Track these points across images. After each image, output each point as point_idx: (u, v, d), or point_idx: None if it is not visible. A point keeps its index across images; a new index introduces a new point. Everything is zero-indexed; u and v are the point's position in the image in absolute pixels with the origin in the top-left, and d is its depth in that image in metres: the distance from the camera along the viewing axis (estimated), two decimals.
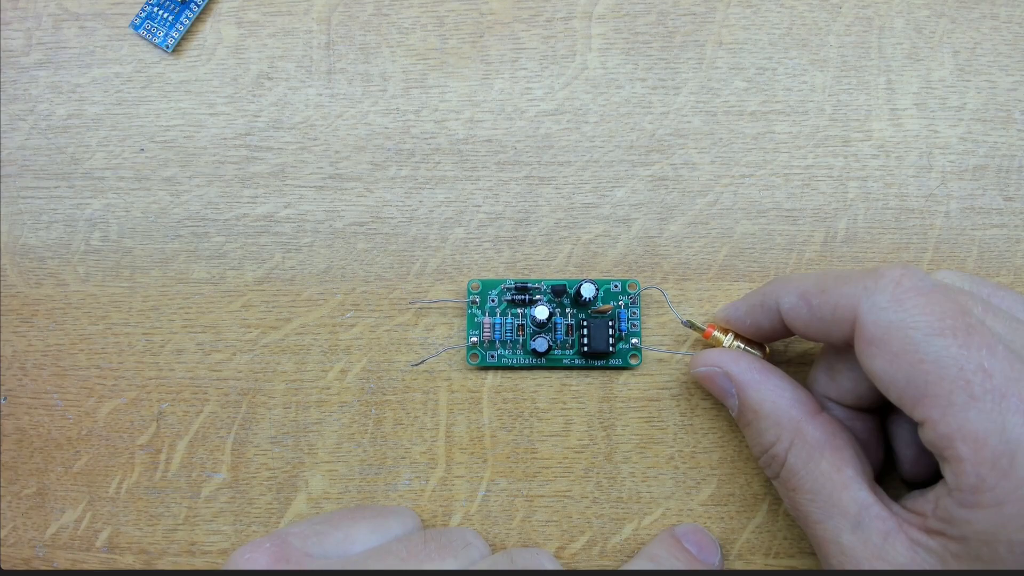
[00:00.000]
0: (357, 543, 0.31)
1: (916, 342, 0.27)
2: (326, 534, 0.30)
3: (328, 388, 0.38)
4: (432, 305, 0.39)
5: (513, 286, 0.38)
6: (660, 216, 0.39)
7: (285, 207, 0.39)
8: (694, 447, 0.38)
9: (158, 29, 0.40)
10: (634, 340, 0.38)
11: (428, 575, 0.29)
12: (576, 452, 0.38)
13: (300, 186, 0.40)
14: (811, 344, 0.38)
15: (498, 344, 0.38)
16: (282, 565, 0.29)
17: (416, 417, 0.38)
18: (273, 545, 0.29)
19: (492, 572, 0.28)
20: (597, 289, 0.37)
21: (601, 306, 0.38)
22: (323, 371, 0.38)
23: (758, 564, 0.37)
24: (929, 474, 0.33)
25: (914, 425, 0.31)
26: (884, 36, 0.40)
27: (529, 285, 0.38)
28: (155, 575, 0.38)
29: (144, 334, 0.39)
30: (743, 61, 0.40)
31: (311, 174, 0.40)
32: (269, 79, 0.40)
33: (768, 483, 0.37)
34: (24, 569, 0.38)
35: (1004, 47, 0.40)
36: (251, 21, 0.41)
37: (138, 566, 0.38)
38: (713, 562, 0.34)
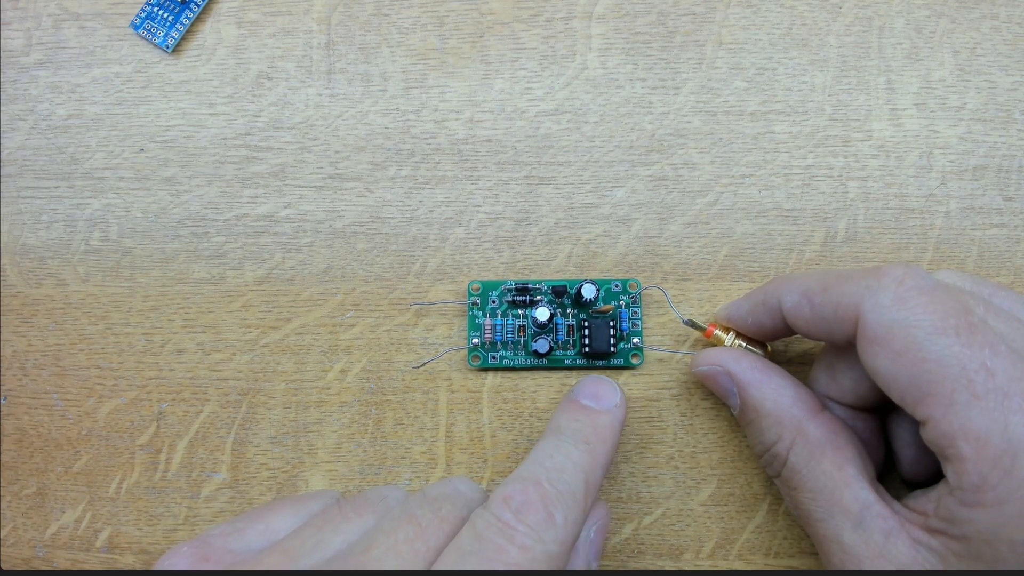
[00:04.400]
0: (279, 531, 0.30)
1: (919, 341, 0.27)
2: (246, 529, 0.30)
3: (328, 388, 0.38)
4: (432, 306, 0.39)
5: (514, 287, 0.38)
6: (660, 216, 0.39)
7: (285, 207, 0.39)
8: (694, 447, 0.37)
9: (158, 29, 0.40)
10: (635, 340, 0.38)
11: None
12: None
13: (300, 186, 0.40)
14: (812, 344, 0.38)
15: (499, 345, 0.38)
16: (204, 565, 0.28)
17: (416, 417, 0.38)
18: (192, 548, 0.28)
19: (508, 573, 0.27)
20: (598, 290, 0.37)
21: (602, 306, 0.38)
22: (323, 371, 0.38)
23: (758, 564, 0.37)
24: (929, 474, 0.33)
25: (915, 425, 0.31)
26: (884, 36, 0.40)
27: (530, 286, 0.38)
28: (155, 575, 0.38)
29: (144, 334, 0.39)
30: (743, 61, 0.40)
31: (311, 174, 0.40)
32: (269, 79, 0.40)
33: (768, 483, 0.37)
34: (24, 569, 0.38)
35: (1004, 47, 0.40)
36: (251, 21, 0.41)
37: (138, 566, 0.38)
38: (614, 402, 0.33)
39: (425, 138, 0.40)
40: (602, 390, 0.34)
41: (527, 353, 0.38)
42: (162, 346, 0.39)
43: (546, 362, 0.38)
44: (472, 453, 0.38)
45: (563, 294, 0.38)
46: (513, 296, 0.38)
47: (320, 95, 0.40)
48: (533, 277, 0.39)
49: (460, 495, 0.30)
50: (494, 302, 0.38)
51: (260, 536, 0.30)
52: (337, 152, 0.40)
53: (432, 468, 0.38)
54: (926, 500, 0.29)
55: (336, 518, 0.29)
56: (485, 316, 0.38)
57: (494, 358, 0.38)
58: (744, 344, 0.36)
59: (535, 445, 0.31)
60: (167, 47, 0.40)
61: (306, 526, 0.29)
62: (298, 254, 0.39)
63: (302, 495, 0.32)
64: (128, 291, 0.39)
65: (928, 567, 0.28)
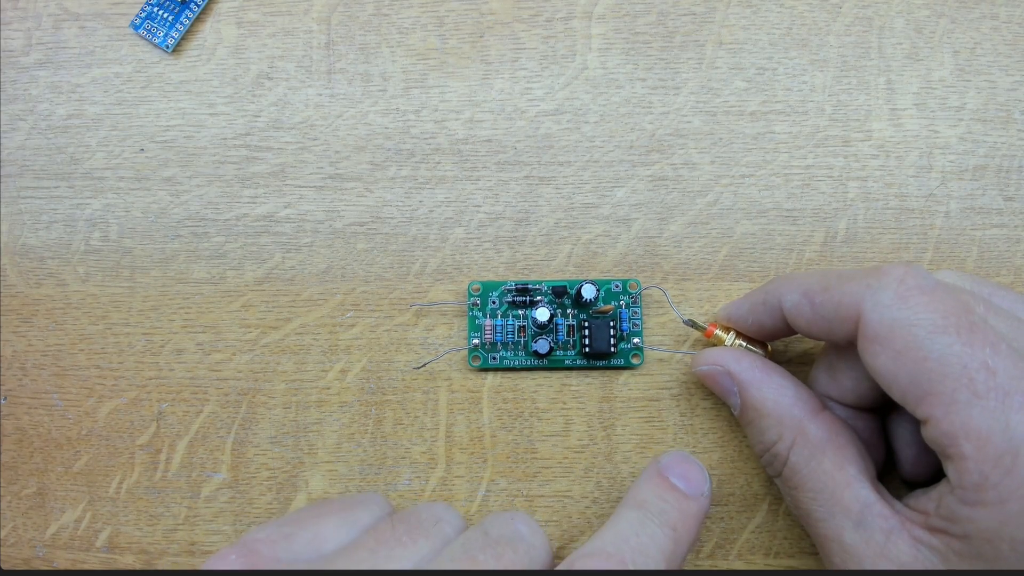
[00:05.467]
0: (328, 541, 0.29)
1: (920, 340, 0.27)
2: (294, 536, 0.29)
3: (328, 388, 0.38)
4: (432, 306, 0.39)
5: (514, 287, 0.38)
6: (660, 216, 0.39)
7: (285, 207, 0.39)
8: (694, 447, 0.37)
9: (158, 29, 0.40)
10: (635, 340, 0.38)
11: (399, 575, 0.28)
12: (576, 452, 0.38)
13: (300, 186, 0.39)
14: (812, 343, 0.38)
15: (499, 346, 0.38)
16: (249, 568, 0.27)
17: (416, 417, 0.38)
18: (240, 556, 0.28)
19: (490, 573, 0.27)
20: (598, 290, 0.37)
21: (602, 306, 0.37)
22: (323, 371, 0.38)
23: (758, 564, 0.37)
24: (930, 474, 0.33)
25: (915, 424, 0.31)
26: (884, 36, 0.40)
27: (530, 286, 0.38)
28: (155, 575, 0.38)
29: (144, 334, 0.39)
30: (743, 61, 0.40)
31: (311, 174, 0.40)
32: (269, 79, 0.40)
33: (768, 483, 0.37)
34: (24, 569, 0.38)
35: (1004, 47, 0.40)
36: (251, 21, 0.41)
37: (138, 566, 0.38)
38: (702, 491, 0.32)
39: (425, 138, 0.40)
40: (693, 472, 0.33)
41: (527, 353, 0.38)
42: (162, 346, 0.39)
43: (546, 362, 0.38)
44: (472, 453, 0.38)
45: (563, 294, 0.38)
46: (513, 296, 0.38)
47: (320, 95, 0.40)
48: (533, 277, 0.39)
49: (522, 540, 0.29)
50: (494, 302, 0.38)
51: (308, 546, 0.29)
52: (337, 152, 0.40)
53: (432, 468, 0.38)
54: (927, 499, 0.29)
55: (390, 540, 0.29)
56: (485, 316, 0.38)
57: (494, 358, 0.38)
58: (744, 344, 0.36)
59: (616, 512, 0.30)
60: (167, 47, 0.40)
61: (358, 546, 0.28)
62: (298, 254, 0.39)
63: (351, 500, 0.31)
64: (128, 291, 0.39)
65: (929, 566, 0.28)
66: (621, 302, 0.38)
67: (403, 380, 0.38)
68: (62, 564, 0.38)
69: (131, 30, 0.40)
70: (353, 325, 0.39)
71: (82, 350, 0.39)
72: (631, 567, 0.28)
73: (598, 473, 0.37)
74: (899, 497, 0.31)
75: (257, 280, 0.39)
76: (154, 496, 0.38)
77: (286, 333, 0.39)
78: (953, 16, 0.40)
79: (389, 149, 0.40)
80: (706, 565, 0.37)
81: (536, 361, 0.38)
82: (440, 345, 0.38)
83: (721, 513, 0.37)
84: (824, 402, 0.33)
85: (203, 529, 0.38)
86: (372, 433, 0.38)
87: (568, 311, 0.38)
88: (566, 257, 0.39)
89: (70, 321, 0.39)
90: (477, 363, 0.38)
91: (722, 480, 0.37)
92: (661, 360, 0.38)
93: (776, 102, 0.40)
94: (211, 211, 0.40)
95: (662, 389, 0.38)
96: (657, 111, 0.40)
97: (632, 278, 0.38)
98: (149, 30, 0.40)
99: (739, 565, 0.37)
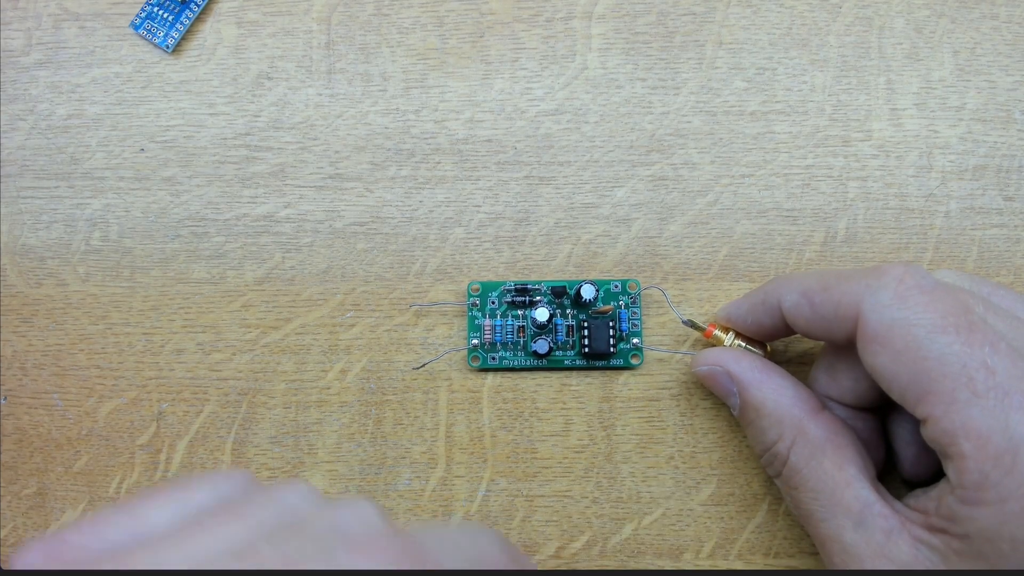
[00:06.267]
0: (147, 524, 0.23)
1: (919, 339, 0.27)
2: (110, 520, 0.23)
3: (328, 388, 0.38)
4: (432, 307, 0.39)
5: (513, 288, 0.38)
6: (660, 216, 0.39)
7: (285, 207, 0.39)
8: (694, 447, 0.37)
9: (158, 29, 0.40)
10: (635, 340, 0.38)
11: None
12: (576, 452, 0.38)
13: (300, 186, 0.39)
14: (812, 343, 0.38)
15: (499, 346, 0.38)
16: (53, 565, 0.23)
17: (416, 417, 0.38)
18: (44, 546, 0.22)
19: (496, 572, 0.27)
20: (597, 290, 0.37)
21: (601, 307, 0.37)
22: (323, 371, 0.38)
23: (758, 564, 0.37)
24: (930, 474, 0.33)
25: (915, 424, 0.31)
26: (884, 36, 0.40)
27: (529, 287, 0.38)
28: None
29: (144, 334, 0.39)
30: (743, 61, 0.40)
31: (311, 174, 0.40)
32: (269, 79, 0.40)
33: (768, 483, 0.37)
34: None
35: (1004, 47, 0.40)
36: (251, 21, 0.41)
37: None
38: None
39: (425, 138, 0.40)
40: None
41: (527, 354, 0.38)
42: (162, 346, 0.39)
43: (546, 363, 0.38)
44: (472, 453, 0.38)
45: (562, 294, 0.38)
46: (512, 297, 0.38)
47: (320, 95, 0.40)
48: (533, 277, 0.39)
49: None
50: (493, 303, 0.38)
51: (124, 532, 0.23)
52: (337, 152, 0.40)
53: (432, 468, 0.38)
54: (927, 499, 0.29)
55: (205, 523, 0.23)
56: (484, 317, 0.38)
57: (494, 359, 0.38)
58: (743, 344, 0.36)
59: None
60: (167, 47, 0.40)
61: (172, 531, 0.23)
62: (298, 254, 0.39)
63: (197, 480, 0.25)
64: (128, 291, 0.39)
65: (929, 566, 0.28)
66: (620, 302, 0.38)
67: (403, 380, 0.38)
68: None
69: (131, 30, 0.40)
70: (353, 325, 0.39)
71: (82, 350, 0.39)
72: None
73: (598, 473, 0.37)
74: (899, 497, 0.31)
75: (257, 280, 0.39)
76: None
77: (286, 333, 0.39)
78: (953, 16, 0.40)
79: (389, 149, 0.40)
80: (706, 565, 0.37)
81: (535, 361, 0.38)
82: (440, 345, 0.38)
83: (721, 513, 0.37)
84: (824, 402, 0.33)
85: None
86: (372, 433, 0.38)
87: (567, 311, 0.38)
88: (566, 257, 0.39)
89: (70, 321, 0.39)
90: (476, 363, 0.38)
91: (722, 480, 0.37)
92: (661, 360, 0.38)
93: (776, 102, 0.40)
94: (211, 211, 0.40)
95: (662, 389, 0.38)
96: (657, 111, 0.40)
97: (632, 278, 0.38)
98: (149, 30, 0.40)
99: (739, 565, 0.37)
